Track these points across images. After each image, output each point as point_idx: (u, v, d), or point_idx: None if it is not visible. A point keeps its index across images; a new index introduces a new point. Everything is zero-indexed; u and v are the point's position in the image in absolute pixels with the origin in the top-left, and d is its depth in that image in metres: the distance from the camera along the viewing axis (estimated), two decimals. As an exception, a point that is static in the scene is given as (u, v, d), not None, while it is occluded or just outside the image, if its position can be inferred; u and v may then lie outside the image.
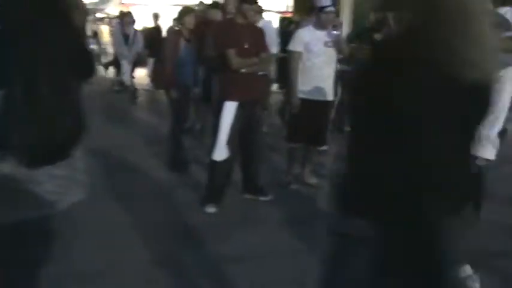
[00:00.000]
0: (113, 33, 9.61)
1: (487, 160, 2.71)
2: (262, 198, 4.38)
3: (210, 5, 6.21)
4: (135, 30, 9.62)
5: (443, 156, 1.39)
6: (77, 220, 3.05)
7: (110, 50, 13.63)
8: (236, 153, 4.15)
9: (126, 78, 9.76)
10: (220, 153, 4.01)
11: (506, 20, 2.65)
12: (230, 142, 4.00)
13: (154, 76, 5.22)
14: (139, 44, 9.44)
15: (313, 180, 4.87)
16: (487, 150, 2.68)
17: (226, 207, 4.13)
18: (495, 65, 1.45)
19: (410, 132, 1.34)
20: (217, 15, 5.70)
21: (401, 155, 1.36)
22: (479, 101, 1.42)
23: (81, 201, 1.90)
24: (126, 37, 9.41)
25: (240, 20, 4.05)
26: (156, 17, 10.63)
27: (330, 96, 4.65)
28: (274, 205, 4.31)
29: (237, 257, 3.29)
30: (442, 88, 1.32)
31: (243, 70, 3.98)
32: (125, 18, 9.55)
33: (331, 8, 4.52)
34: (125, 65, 9.60)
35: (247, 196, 4.41)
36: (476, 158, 2.68)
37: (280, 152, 5.40)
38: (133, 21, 9.57)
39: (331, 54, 4.55)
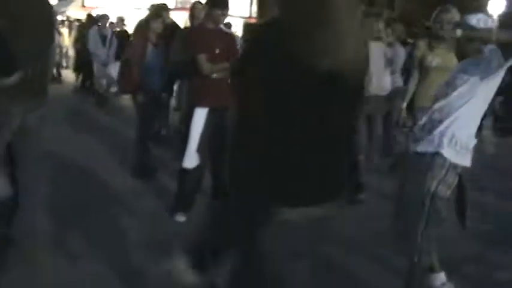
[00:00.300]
0: (90, 35, 9.35)
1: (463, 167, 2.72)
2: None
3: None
4: (112, 32, 9.46)
5: (307, 145, 1.39)
6: (38, 228, 2.95)
7: (71, 52, 13.35)
8: (206, 159, 4.07)
9: (98, 80, 9.55)
10: (191, 160, 3.92)
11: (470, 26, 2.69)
12: (201, 149, 3.92)
13: (121, 80, 5.08)
14: (115, 46, 9.26)
15: None
16: (463, 157, 2.69)
17: (196, 216, 4.04)
18: (361, 58, 1.49)
19: (273, 121, 1.35)
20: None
21: (266, 144, 1.37)
22: (343, 91, 1.41)
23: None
24: (103, 38, 9.22)
25: (210, 25, 3.99)
26: (121, 20, 10.46)
27: None
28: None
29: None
30: (303, 79, 1.33)
31: (214, 75, 3.91)
32: (103, 20, 9.41)
33: None
34: (98, 67, 9.36)
35: (214, 202, 4.33)
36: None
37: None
38: (111, 23, 9.45)
39: None
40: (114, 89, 9.18)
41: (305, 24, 1.35)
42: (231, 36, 4.22)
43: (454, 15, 3.98)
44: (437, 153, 2.66)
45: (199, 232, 1.40)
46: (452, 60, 3.92)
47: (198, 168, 3.96)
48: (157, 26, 4.92)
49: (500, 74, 2.60)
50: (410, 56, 6.29)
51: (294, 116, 1.35)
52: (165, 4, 6.04)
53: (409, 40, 7.17)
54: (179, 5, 17.26)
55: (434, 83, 3.97)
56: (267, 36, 1.40)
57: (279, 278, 1.51)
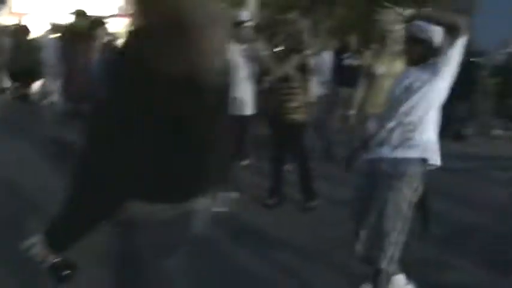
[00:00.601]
0: (46, 45, 8.90)
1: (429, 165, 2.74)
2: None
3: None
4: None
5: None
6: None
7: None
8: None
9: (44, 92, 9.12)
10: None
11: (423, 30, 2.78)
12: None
13: (65, 89, 4.88)
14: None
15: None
16: (433, 154, 2.73)
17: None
18: (223, 65, 1.55)
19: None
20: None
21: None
22: (204, 97, 1.46)
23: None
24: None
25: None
26: (56, 27, 10.04)
27: (248, 111, 4.63)
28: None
29: None
30: (162, 86, 1.36)
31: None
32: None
33: (249, 23, 4.54)
34: (50, 80, 8.91)
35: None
36: None
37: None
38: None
39: (248, 68, 4.57)
40: (54, 99, 8.82)
41: (162, 31, 1.39)
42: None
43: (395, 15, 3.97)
44: (422, 159, 2.68)
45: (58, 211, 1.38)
46: (398, 66, 4.07)
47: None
48: (101, 34, 4.76)
49: (453, 65, 2.65)
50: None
51: (151, 117, 1.38)
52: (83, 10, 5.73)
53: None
54: (119, 12, 16.84)
55: (381, 91, 4.08)
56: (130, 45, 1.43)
57: (142, 276, 1.54)
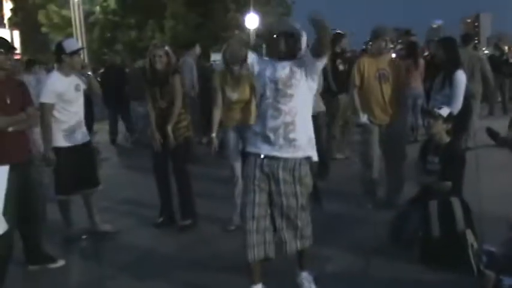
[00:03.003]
0: None
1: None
2: (52, 266, 3.93)
3: None
4: None
5: None
6: None
7: None
8: (15, 222, 3.62)
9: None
10: (-2, 226, 3.44)
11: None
12: (7, 212, 3.47)
13: None
14: None
15: (107, 227, 4.69)
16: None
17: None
18: None
19: None
20: None
21: None
22: None
23: None
24: None
25: (-6, 74, 3.55)
26: None
27: (86, 137, 4.53)
28: (66, 272, 3.92)
29: None
30: None
31: (10, 129, 3.51)
32: None
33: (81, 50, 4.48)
34: None
35: (33, 267, 3.89)
36: None
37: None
38: None
39: (81, 96, 4.48)
40: None
41: None
42: (22, 84, 3.84)
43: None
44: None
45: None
46: (246, 91, 4.36)
47: (6, 234, 3.49)
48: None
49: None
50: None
51: None
52: None
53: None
54: None
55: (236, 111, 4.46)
56: None
57: None
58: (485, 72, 7.39)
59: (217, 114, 4.52)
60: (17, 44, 17.19)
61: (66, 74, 4.32)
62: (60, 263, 3.97)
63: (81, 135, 4.43)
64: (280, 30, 3.11)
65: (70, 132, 4.33)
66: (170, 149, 4.64)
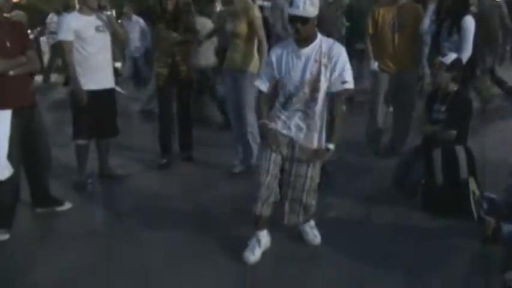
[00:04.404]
0: None
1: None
2: (59, 209, 4.00)
3: None
4: None
5: None
6: None
7: None
8: (20, 166, 3.65)
9: None
10: (2, 171, 3.46)
11: None
12: (12, 156, 3.49)
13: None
14: None
15: (118, 171, 4.76)
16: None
17: (21, 230, 3.65)
18: None
19: None
20: None
21: None
22: None
23: None
24: None
25: (-8, 15, 3.47)
26: None
27: (110, 84, 4.45)
28: (74, 214, 3.99)
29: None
30: None
31: (11, 73, 3.47)
32: None
33: None
34: None
35: (41, 210, 3.96)
36: None
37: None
38: None
39: (105, 38, 4.33)
40: None
41: None
42: (21, 26, 3.75)
43: None
44: None
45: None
46: (242, 25, 4.37)
47: (12, 178, 3.52)
48: None
49: None
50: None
51: None
52: None
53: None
54: None
55: (233, 47, 4.52)
56: None
57: None
58: (504, 19, 7.35)
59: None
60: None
61: (86, 13, 4.21)
62: (68, 205, 4.03)
63: (104, 80, 4.36)
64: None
65: (91, 74, 4.23)
66: (177, 84, 4.88)
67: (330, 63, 2.92)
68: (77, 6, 4.76)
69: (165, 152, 5.02)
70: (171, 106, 5.05)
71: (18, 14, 6.86)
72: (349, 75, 2.94)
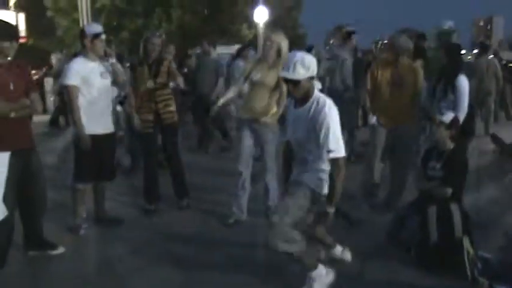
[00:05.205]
0: None
1: None
2: (52, 253, 3.96)
3: None
4: None
5: None
6: None
7: None
8: (15, 208, 3.65)
9: None
10: (-3, 212, 3.46)
11: None
12: (7, 198, 3.49)
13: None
14: None
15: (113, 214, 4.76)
16: None
17: (12, 273, 3.61)
18: None
19: None
20: None
21: None
22: None
23: None
24: None
25: (-2, 60, 3.54)
26: None
27: (111, 128, 4.51)
28: (67, 258, 3.95)
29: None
30: None
31: (12, 115, 3.52)
32: None
33: (103, 35, 4.37)
34: None
35: (33, 253, 3.92)
36: None
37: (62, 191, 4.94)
38: None
39: (108, 84, 4.43)
40: None
41: None
42: (25, 69, 3.82)
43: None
44: None
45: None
46: (271, 76, 4.36)
47: (6, 220, 3.51)
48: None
49: None
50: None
51: None
52: None
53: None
54: None
55: (254, 96, 4.45)
56: None
57: None
58: (499, 79, 7.98)
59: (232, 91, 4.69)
60: (22, 26, 17.01)
61: (91, 59, 4.30)
62: (61, 250, 3.99)
63: (106, 125, 4.42)
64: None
65: (94, 118, 4.28)
66: (161, 130, 4.94)
67: (316, 128, 2.98)
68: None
69: (152, 201, 5.00)
70: (156, 153, 5.12)
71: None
72: (333, 144, 2.93)
